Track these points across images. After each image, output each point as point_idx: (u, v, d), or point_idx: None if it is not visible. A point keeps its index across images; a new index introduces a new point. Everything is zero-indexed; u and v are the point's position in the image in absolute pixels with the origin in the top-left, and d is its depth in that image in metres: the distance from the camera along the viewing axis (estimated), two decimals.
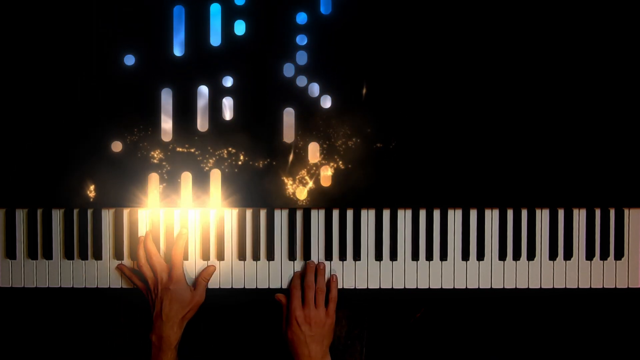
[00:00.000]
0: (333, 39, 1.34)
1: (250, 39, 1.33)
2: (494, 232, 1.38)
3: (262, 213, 1.37)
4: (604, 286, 1.39)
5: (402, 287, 1.38)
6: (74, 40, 1.32)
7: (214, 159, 1.34)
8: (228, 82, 1.33)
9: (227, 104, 1.34)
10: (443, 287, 1.38)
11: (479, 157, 1.35)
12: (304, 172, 1.34)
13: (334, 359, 1.33)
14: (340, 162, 1.34)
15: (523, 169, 1.35)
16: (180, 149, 1.33)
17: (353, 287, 1.37)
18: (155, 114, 1.33)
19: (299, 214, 1.37)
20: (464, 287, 1.38)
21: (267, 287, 1.37)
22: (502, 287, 1.38)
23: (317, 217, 1.37)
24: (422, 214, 1.37)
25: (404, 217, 1.37)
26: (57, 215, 1.36)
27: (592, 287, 1.38)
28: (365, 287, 1.37)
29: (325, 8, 1.33)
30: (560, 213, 1.38)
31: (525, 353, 1.58)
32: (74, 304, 1.50)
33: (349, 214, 1.37)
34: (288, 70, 1.33)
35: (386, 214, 1.37)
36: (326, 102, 1.34)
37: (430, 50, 1.34)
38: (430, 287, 1.38)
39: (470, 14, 1.34)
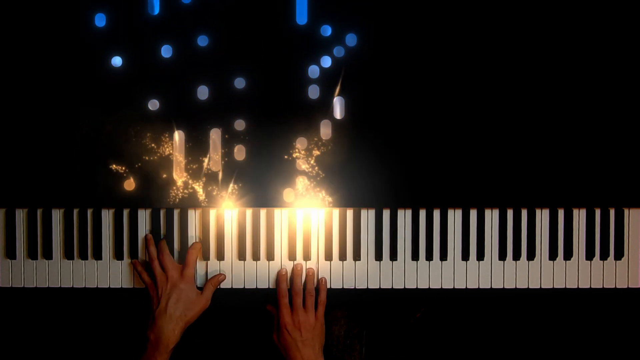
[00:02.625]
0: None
1: None
2: (494, 232, 1.38)
3: (262, 213, 1.37)
4: (604, 286, 1.39)
5: (402, 287, 1.38)
6: (70, 41, 1.32)
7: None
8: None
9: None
10: (443, 287, 1.38)
11: (478, 157, 1.35)
12: (303, 172, 1.35)
13: (333, 358, 1.33)
14: (332, 163, 1.34)
15: (523, 169, 1.35)
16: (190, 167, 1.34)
17: (353, 287, 1.37)
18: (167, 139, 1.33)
19: (299, 214, 1.37)
20: (464, 287, 1.38)
21: (267, 287, 1.37)
22: (502, 287, 1.38)
23: (317, 217, 1.37)
24: (422, 214, 1.37)
25: (404, 217, 1.37)
26: (57, 215, 1.36)
27: (592, 287, 1.38)
28: (365, 287, 1.37)
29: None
30: (560, 213, 1.38)
31: (525, 353, 1.58)
32: (74, 304, 1.50)
33: (349, 213, 1.37)
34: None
35: (386, 214, 1.37)
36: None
37: (431, 50, 1.34)
38: (430, 287, 1.38)
39: (471, 15, 1.34)
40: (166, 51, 1.32)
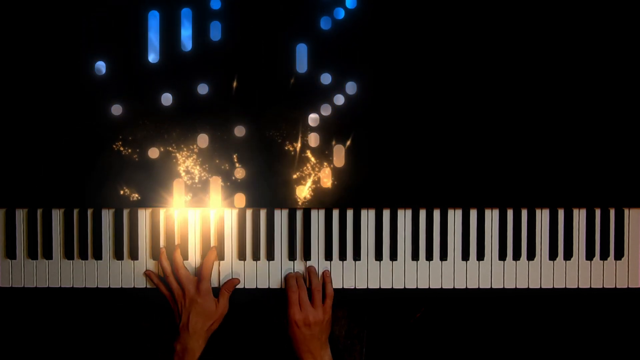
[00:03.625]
0: (333, 41, 1.34)
1: None
2: (494, 232, 1.38)
3: (262, 213, 1.37)
4: (604, 286, 1.39)
5: (402, 287, 1.38)
6: (70, 44, 1.32)
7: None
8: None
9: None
10: (443, 287, 1.38)
11: (479, 157, 1.35)
12: (305, 172, 1.34)
13: (334, 358, 1.33)
14: (339, 163, 1.34)
15: (523, 169, 1.35)
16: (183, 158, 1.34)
17: (353, 287, 1.37)
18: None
19: (299, 214, 1.37)
20: (464, 287, 1.38)
21: (267, 287, 1.37)
22: (502, 287, 1.38)
23: (317, 217, 1.37)
24: (422, 214, 1.37)
25: (404, 217, 1.37)
26: (57, 215, 1.36)
27: (592, 287, 1.38)
28: (365, 287, 1.37)
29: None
30: (560, 213, 1.38)
31: (525, 353, 1.58)
32: (74, 304, 1.50)
33: (349, 213, 1.37)
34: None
35: (386, 214, 1.37)
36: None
37: (432, 50, 1.34)
38: (430, 287, 1.38)
39: (471, 14, 1.34)
40: (165, 99, 1.32)
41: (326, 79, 1.33)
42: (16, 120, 1.32)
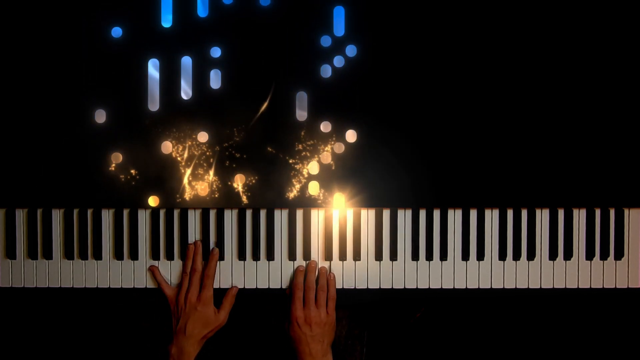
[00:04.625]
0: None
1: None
2: (494, 232, 1.38)
3: (262, 213, 1.37)
4: (604, 286, 1.39)
5: (402, 287, 1.38)
6: (71, 48, 1.33)
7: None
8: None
9: None
10: (443, 287, 1.38)
11: (479, 157, 1.35)
12: (301, 173, 1.35)
13: (334, 359, 1.33)
14: (337, 163, 1.34)
15: (523, 169, 1.35)
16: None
17: (353, 287, 1.37)
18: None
19: (299, 214, 1.37)
20: (464, 287, 1.38)
21: (267, 287, 1.37)
22: (502, 287, 1.38)
23: (317, 217, 1.37)
24: (422, 214, 1.37)
25: (404, 217, 1.37)
26: (57, 215, 1.36)
27: (592, 287, 1.38)
28: (365, 287, 1.37)
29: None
30: (560, 213, 1.38)
31: (525, 353, 1.58)
32: (74, 304, 1.50)
33: (349, 214, 1.37)
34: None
35: (386, 213, 1.37)
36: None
37: (432, 50, 1.34)
38: (430, 287, 1.38)
39: (471, 14, 1.34)
40: (165, 147, 1.33)
41: (326, 126, 1.33)
42: (16, 120, 1.32)
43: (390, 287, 1.38)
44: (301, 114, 1.34)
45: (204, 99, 1.33)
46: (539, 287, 1.38)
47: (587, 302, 1.52)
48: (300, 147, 1.33)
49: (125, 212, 1.36)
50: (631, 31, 1.35)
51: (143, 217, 1.36)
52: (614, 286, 1.39)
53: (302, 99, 1.33)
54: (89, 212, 1.36)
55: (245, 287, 1.37)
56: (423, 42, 1.34)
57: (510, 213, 1.38)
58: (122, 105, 1.32)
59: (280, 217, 1.37)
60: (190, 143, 1.33)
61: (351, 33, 1.33)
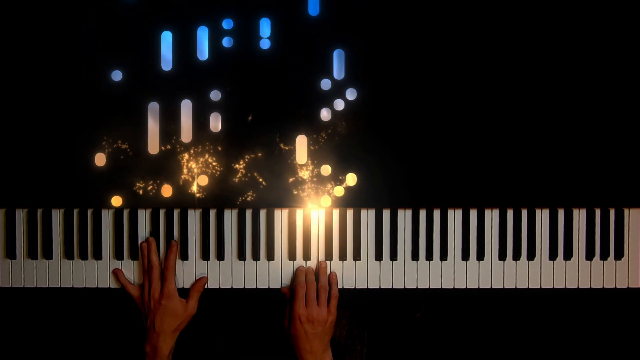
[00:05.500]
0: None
1: None
2: (494, 232, 1.38)
3: (262, 213, 1.37)
4: (604, 286, 1.38)
5: (402, 287, 1.38)
6: (70, 45, 1.33)
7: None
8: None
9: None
10: (443, 287, 1.38)
11: (478, 157, 1.35)
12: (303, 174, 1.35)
13: (334, 358, 1.33)
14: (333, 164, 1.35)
15: (523, 169, 1.35)
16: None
17: (353, 287, 1.37)
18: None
19: (299, 214, 1.37)
20: (464, 287, 1.38)
21: (267, 287, 1.37)
22: (502, 287, 1.38)
23: (317, 217, 1.37)
24: (422, 214, 1.37)
25: (404, 217, 1.37)
26: (57, 215, 1.36)
27: (592, 287, 1.38)
28: (365, 287, 1.37)
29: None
30: (560, 213, 1.38)
31: (525, 353, 1.58)
32: (74, 304, 1.50)
33: (349, 213, 1.37)
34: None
35: (386, 213, 1.37)
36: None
37: (431, 50, 1.34)
38: (430, 287, 1.38)
39: (471, 14, 1.34)
40: (166, 190, 1.33)
41: (326, 170, 1.34)
42: (16, 120, 1.32)
43: (390, 287, 1.38)
44: (301, 158, 1.34)
45: (203, 141, 1.33)
46: (539, 287, 1.38)
47: (587, 302, 1.52)
48: (299, 191, 1.34)
49: (125, 212, 1.36)
50: (631, 31, 1.35)
51: (143, 217, 1.36)
52: (614, 286, 1.39)
53: (302, 142, 1.34)
54: (89, 212, 1.36)
55: (245, 287, 1.37)
56: (421, 37, 1.34)
57: (510, 213, 1.38)
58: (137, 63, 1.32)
59: (281, 217, 1.37)
60: (190, 190, 1.33)
61: (352, 76, 1.34)
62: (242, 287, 1.37)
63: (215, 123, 1.33)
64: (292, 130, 1.34)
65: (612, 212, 1.38)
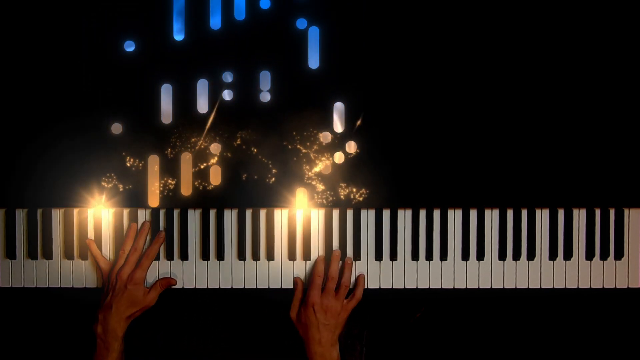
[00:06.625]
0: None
1: None
2: (494, 232, 1.38)
3: (262, 213, 1.37)
4: (604, 286, 1.39)
5: (402, 287, 1.38)
6: (70, 43, 1.33)
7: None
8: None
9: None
10: (443, 287, 1.38)
11: (478, 157, 1.35)
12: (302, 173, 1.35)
13: None
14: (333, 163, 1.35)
15: (523, 169, 1.35)
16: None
17: (353, 287, 1.37)
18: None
19: (299, 214, 1.37)
20: (464, 287, 1.38)
21: (267, 287, 1.37)
22: (502, 287, 1.38)
23: (317, 217, 1.37)
24: (422, 214, 1.37)
25: (404, 217, 1.37)
26: (57, 215, 1.36)
27: (592, 287, 1.38)
28: (365, 287, 1.37)
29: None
30: (560, 213, 1.38)
31: (525, 353, 1.58)
32: (74, 304, 1.50)
33: (349, 214, 1.37)
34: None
35: (386, 213, 1.37)
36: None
37: (431, 50, 1.34)
38: (430, 287, 1.38)
39: (471, 14, 1.34)
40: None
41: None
42: (17, 120, 1.32)
43: (390, 287, 1.38)
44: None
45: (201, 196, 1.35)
46: (539, 287, 1.38)
47: (587, 302, 1.52)
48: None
49: (125, 212, 1.36)
50: (631, 31, 1.35)
51: (143, 216, 1.36)
52: (614, 286, 1.39)
53: (302, 195, 1.35)
54: (89, 212, 1.36)
55: (246, 287, 1.37)
56: (423, 44, 1.34)
57: (510, 213, 1.38)
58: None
59: (281, 217, 1.37)
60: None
61: (351, 129, 1.34)
62: (242, 287, 1.37)
63: (215, 177, 1.34)
64: (292, 185, 1.34)
65: (612, 212, 1.38)
